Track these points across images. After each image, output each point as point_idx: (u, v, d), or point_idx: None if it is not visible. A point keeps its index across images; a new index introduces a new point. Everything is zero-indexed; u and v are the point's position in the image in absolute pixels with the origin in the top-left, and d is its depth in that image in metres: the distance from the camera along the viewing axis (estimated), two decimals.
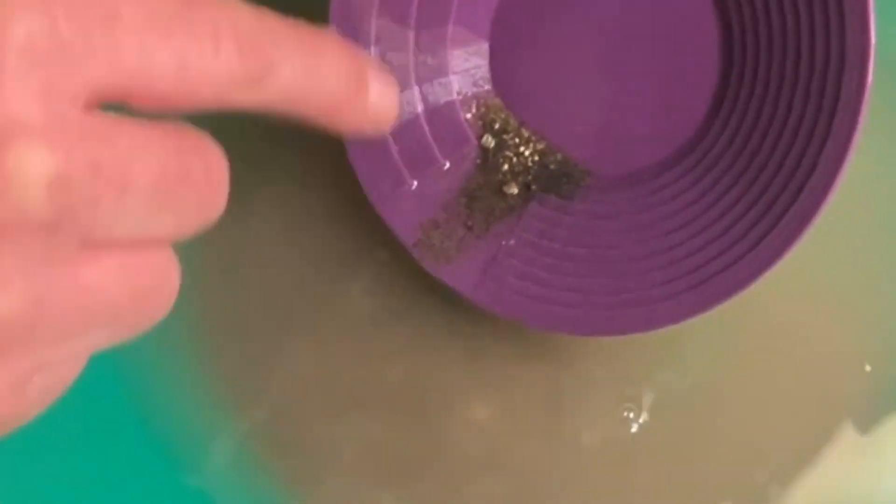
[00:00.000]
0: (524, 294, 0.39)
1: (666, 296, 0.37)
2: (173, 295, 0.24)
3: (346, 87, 0.25)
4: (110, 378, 0.43)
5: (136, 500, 0.42)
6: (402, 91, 0.39)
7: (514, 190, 0.40)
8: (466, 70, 0.41)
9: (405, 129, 0.40)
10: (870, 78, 0.33)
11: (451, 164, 0.41)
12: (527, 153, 0.40)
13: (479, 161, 0.41)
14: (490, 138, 0.41)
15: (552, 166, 0.40)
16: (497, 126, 0.41)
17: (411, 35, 0.40)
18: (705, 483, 0.41)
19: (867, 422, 0.41)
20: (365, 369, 0.43)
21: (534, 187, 0.40)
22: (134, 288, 0.23)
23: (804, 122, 0.35)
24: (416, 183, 0.40)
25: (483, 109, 0.41)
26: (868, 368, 0.41)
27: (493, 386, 0.42)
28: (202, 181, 0.23)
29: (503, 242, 0.40)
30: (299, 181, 0.45)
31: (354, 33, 0.39)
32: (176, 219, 0.23)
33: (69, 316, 0.21)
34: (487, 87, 0.41)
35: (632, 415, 0.42)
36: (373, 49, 0.40)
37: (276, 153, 0.45)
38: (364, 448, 0.43)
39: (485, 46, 0.41)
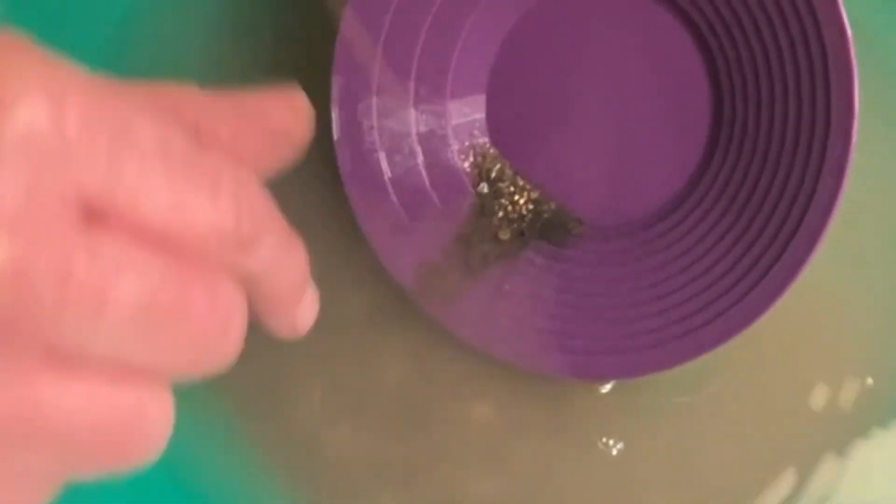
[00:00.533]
0: (519, 338, 0.40)
1: (655, 343, 0.38)
2: (154, 441, 0.22)
3: (297, 284, 0.26)
4: None
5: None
6: (401, 142, 0.41)
7: (508, 236, 0.41)
8: (464, 121, 0.42)
9: (405, 175, 0.42)
10: (854, 141, 0.34)
11: (448, 210, 0.42)
12: (521, 201, 0.42)
13: (475, 208, 0.42)
14: (486, 186, 0.42)
15: (546, 215, 0.42)
16: (493, 175, 0.42)
17: (412, 86, 0.42)
18: (705, 484, 0.42)
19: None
20: (365, 369, 0.43)
21: (527, 234, 0.41)
22: (99, 424, 0.20)
23: (791, 179, 0.36)
24: (414, 227, 0.41)
25: (480, 158, 0.42)
26: (870, 382, 0.41)
27: (493, 386, 0.43)
28: (203, 319, 0.21)
29: (498, 288, 0.41)
30: (297, 183, 0.45)
31: (356, 83, 0.41)
32: (165, 355, 0.21)
33: (10, 430, 0.19)
34: (484, 137, 0.42)
35: (634, 415, 0.42)
36: (374, 99, 0.41)
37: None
38: (364, 448, 0.43)
39: (482, 98, 0.42)
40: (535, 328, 0.40)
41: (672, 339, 0.38)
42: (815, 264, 0.36)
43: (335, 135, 0.41)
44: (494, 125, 0.42)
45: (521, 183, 0.42)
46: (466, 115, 0.42)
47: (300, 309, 0.26)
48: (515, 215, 0.42)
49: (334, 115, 0.41)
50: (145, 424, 0.21)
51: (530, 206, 0.42)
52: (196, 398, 0.43)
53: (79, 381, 0.20)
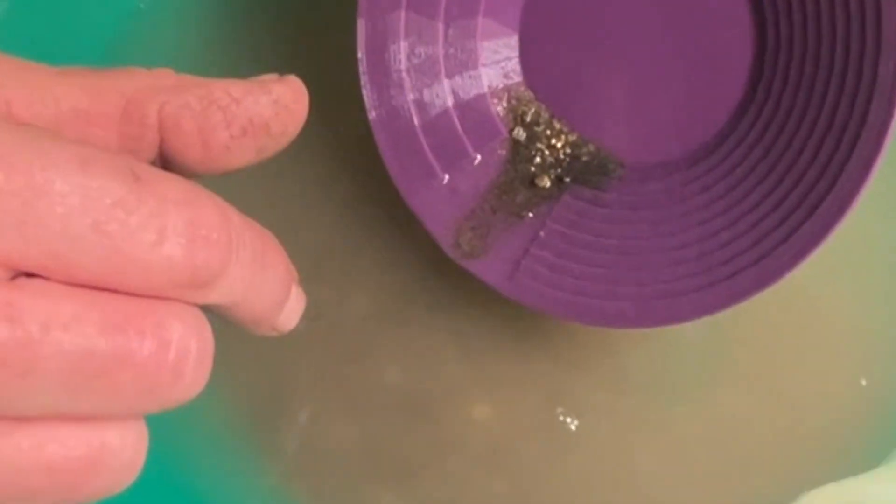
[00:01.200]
0: (556, 286, 0.38)
1: (697, 287, 0.36)
2: (122, 475, 0.21)
3: (275, 302, 0.24)
4: None
5: None
6: (431, 84, 0.39)
7: (547, 182, 0.40)
8: (496, 62, 0.41)
9: (436, 122, 0.40)
10: None
11: (482, 158, 0.40)
12: (559, 145, 0.40)
13: (510, 154, 0.40)
14: (521, 131, 0.40)
15: (584, 158, 0.40)
16: (528, 118, 0.40)
17: (441, 27, 0.40)
18: (703, 485, 0.41)
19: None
20: (365, 369, 0.43)
21: (566, 179, 0.40)
22: (56, 466, 0.20)
23: (839, 110, 0.34)
24: (447, 177, 0.40)
25: (514, 102, 0.41)
26: (864, 383, 0.40)
27: (494, 385, 0.42)
28: (147, 365, 0.20)
29: (535, 234, 0.39)
30: (294, 185, 0.45)
31: (383, 26, 0.39)
32: (110, 402, 0.20)
33: None
34: (518, 79, 0.41)
35: (633, 415, 0.42)
36: (402, 42, 0.40)
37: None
38: (364, 448, 0.43)
39: (514, 38, 0.41)
40: (573, 275, 0.38)
41: (718, 281, 0.36)
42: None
43: (362, 80, 0.39)
44: (528, 67, 0.41)
45: (557, 126, 0.40)
46: (498, 56, 0.41)
47: (283, 312, 0.25)
48: (553, 160, 0.40)
49: (361, 59, 0.39)
50: (108, 460, 0.21)
51: (568, 150, 0.40)
52: (195, 398, 0.43)
53: (26, 432, 0.20)
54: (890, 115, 0.33)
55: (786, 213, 0.35)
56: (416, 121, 0.40)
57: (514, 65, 0.41)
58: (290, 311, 0.25)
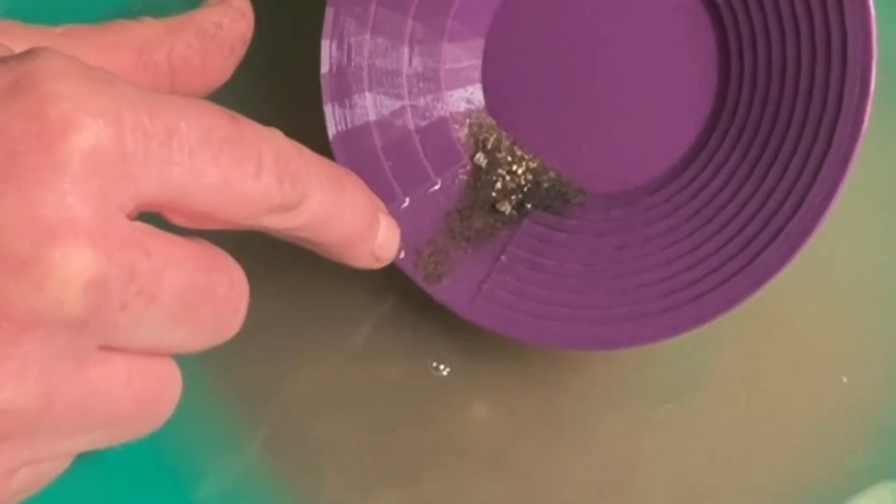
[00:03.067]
0: (518, 310, 0.38)
1: (662, 310, 0.36)
2: (173, 404, 0.24)
3: (362, 224, 0.27)
4: None
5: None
6: (393, 106, 0.39)
7: (508, 208, 0.40)
8: (459, 87, 0.41)
9: (397, 145, 0.40)
10: (872, 89, 0.33)
11: (443, 182, 0.40)
12: (519, 171, 0.40)
13: (471, 179, 0.40)
14: (482, 156, 0.40)
15: (545, 185, 0.40)
16: (490, 144, 0.40)
17: (405, 51, 0.40)
18: (701, 484, 0.41)
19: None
20: (365, 369, 0.43)
21: (528, 205, 0.40)
22: (138, 395, 0.23)
23: (804, 135, 0.35)
24: (408, 200, 0.40)
25: (475, 128, 0.41)
26: (845, 380, 0.41)
27: (493, 386, 0.42)
28: (223, 301, 0.23)
29: (497, 259, 0.39)
30: None
31: (348, 46, 0.39)
32: (190, 333, 0.23)
33: (73, 414, 0.22)
34: (480, 104, 0.41)
35: (632, 414, 0.42)
36: (366, 63, 0.40)
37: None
38: (364, 448, 0.43)
39: (478, 63, 0.41)
40: (535, 299, 0.38)
41: (682, 304, 0.36)
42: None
43: (324, 97, 0.39)
44: (490, 93, 0.41)
45: (518, 153, 0.40)
46: (461, 81, 0.41)
47: (377, 238, 0.28)
48: (514, 186, 0.40)
49: (324, 76, 0.39)
50: (169, 392, 0.24)
51: (529, 177, 0.40)
52: (195, 398, 0.43)
53: (121, 364, 0.22)
54: (854, 140, 0.33)
55: (750, 236, 0.35)
56: (377, 142, 0.40)
57: (477, 90, 0.41)
58: (385, 237, 0.29)
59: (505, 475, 0.42)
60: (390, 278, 0.39)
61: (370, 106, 0.40)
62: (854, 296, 0.41)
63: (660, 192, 0.38)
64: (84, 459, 0.39)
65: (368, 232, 0.28)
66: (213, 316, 0.23)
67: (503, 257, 0.39)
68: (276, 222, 0.24)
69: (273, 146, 0.23)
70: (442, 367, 0.43)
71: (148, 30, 0.26)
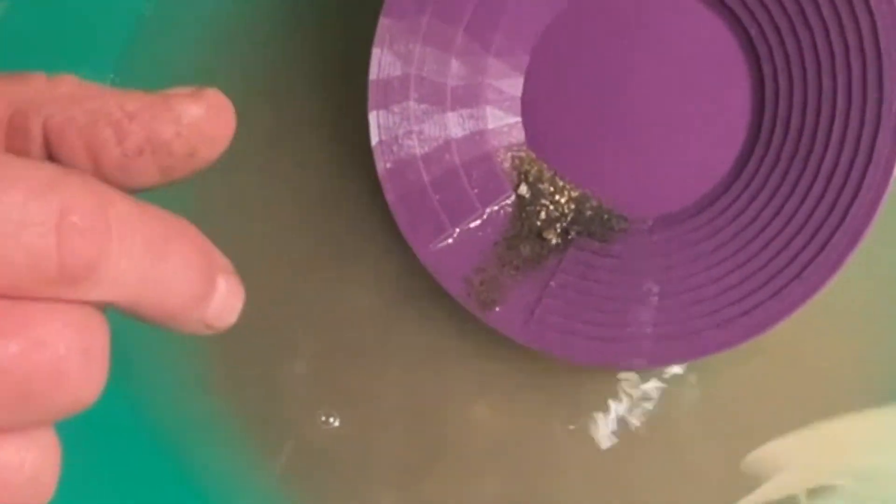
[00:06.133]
0: (570, 332, 0.39)
1: (715, 325, 0.37)
2: (29, 491, 0.20)
3: (189, 295, 0.21)
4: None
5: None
6: (439, 143, 0.41)
7: (552, 236, 0.41)
8: (501, 124, 0.42)
9: (445, 178, 0.41)
10: None
11: (490, 213, 0.41)
12: (563, 201, 0.41)
13: (516, 210, 0.41)
14: (526, 188, 0.42)
15: (588, 212, 0.41)
16: (531, 177, 0.42)
17: (448, 90, 0.41)
18: (703, 484, 0.41)
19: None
20: (365, 369, 0.43)
21: (572, 233, 0.41)
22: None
23: (844, 148, 0.36)
24: (457, 231, 0.41)
25: (517, 161, 0.42)
26: None
27: (493, 386, 0.42)
28: (19, 368, 0.19)
29: (546, 285, 0.40)
30: (297, 185, 0.45)
31: (393, 81, 0.41)
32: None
33: None
34: (521, 139, 0.42)
35: (632, 413, 0.42)
36: (411, 103, 0.41)
37: (282, 153, 0.45)
38: (364, 448, 0.42)
39: (517, 102, 0.42)
40: (586, 321, 0.39)
41: (734, 318, 0.37)
42: None
43: (373, 141, 0.41)
44: (530, 128, 0.42)
45: (560, 183, 0.42)
46: (503, 117, 0.42)
47: (212, 304, 0.22)
48: (558, 214, 0.41)
49: (371, 115, 0.40)
50: (6, 477, 0.20)
51: (572, 206, 0.41)
52: (194, 398, 0.44)
53: None
54: (885, 183, 0.35)
55: (798, 248, 0.37)
56: (425, 177, 0.41)
57: (518, 127, 0.42)
58: (222, 305, 0.22)
59: (505, 475, 0.42)
60: (391, 277, 0.41)
61: (416, 142, 0.41)
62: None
63: (703, 214, 0.40)
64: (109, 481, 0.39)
65: (198, 303, 0.22)
66: (6, 388, 0.19)
67: (552, 283, 0.40)
68: (59, 294, 0.19)
69: (50, 198, 0.18)
70: (443, 367, 0.43)
71: (42, 88, 0.21)
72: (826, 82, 0.37)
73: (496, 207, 0.42)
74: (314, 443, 0.43)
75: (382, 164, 0.41)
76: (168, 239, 0.20)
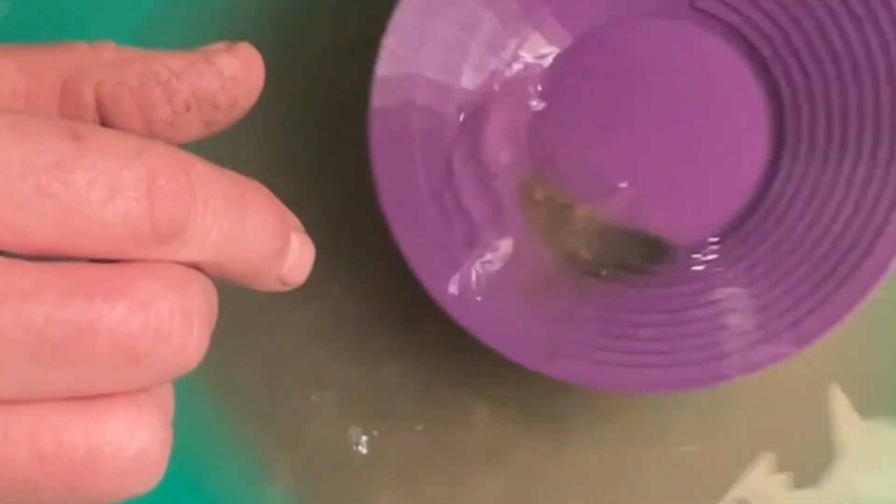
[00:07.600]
0: (600, 362, 0.37)
1: (760, 340, 0.36)
2: (136, 472, 0.20)
3: (268, 252, 0.23)
4: None
5: None
6: (447, 177, 0.39)
7: (574, 267, 0.40)
8: (515, 151, 0.41)
9: (459, 210, 0.39)
10: None
11: (514, 245, 0.39)
12: (585, 229, 0.40)
13: (534, 239, 0.40)
14: (545, 217, 0.40)
15: (609, 241, 0.40)
16: (553, 205, 0.40)
17: (457, 119, 0.40)
18: (703, 484, 0.41)
19: None
20: (364, 369, 0.43)
21: (594, 263, 0.39)
22: (44, 455, 0.19)
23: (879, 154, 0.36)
24: (478, 263, 0.39)
25: (539, 191, 0.40)
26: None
27: (493, 386, 0.42)
28: (125, 329, 0.19)
29: (572, 313, 0.38)
30: (298, 185, 0.44)
31: (400, 117, 0.39)
32: (92, 374, 0.19)
33: None
34: (541, 166, 0.41)
35: (632, 415, 0.42)
36: (418, 138, 0.39)
37: (288, 153, 0.45)
38: (364, 448, 0.43)
39: (528, 125, 0.41)
40: (614, 350, 0.38)
41: (779, 331, 0.36)
42: None
43: (376, 173, 0.39)
44: (550, 153, 0.41)
45: (581, 212, 0.40)
46: (515, 147, 0.41)
47: (287, 263, 0.23)
48: (577, 242, 0.40)
49: (373, 152, 0.39)
50: (113, 453, 0.20)
51: (594, 235, 0.40)
52: (194, 398, 0.43)
53: (12, 416, 0.19)
54: None
55: (838, 257, 0.36)
56: (437, 208, 0.39)
57: (534, 156, 0.41)
58: (296, 261, 0.24)
59: (505, 475, 0.42)
60: (391, 277, 0.40)
61: (422, 177, 0.39)
62: None
63: (725, 242, 0.39)
64: None
65: (276, 259, 0.23)
66: (112, 349, 0.19)
67: (578, 313, 0.38)
68: (151, 254, 0.20)
69: (137, 163, 0.19)
70: (443, 367, 0.43)
71: (88, 55, 0.23)
72: (852, 108, 0.37)
73: (515, 238, 0.40)
74: (313, 442, 0.43)
75: (387, 201, 0.38)
76: (245, 197, 0.21)
